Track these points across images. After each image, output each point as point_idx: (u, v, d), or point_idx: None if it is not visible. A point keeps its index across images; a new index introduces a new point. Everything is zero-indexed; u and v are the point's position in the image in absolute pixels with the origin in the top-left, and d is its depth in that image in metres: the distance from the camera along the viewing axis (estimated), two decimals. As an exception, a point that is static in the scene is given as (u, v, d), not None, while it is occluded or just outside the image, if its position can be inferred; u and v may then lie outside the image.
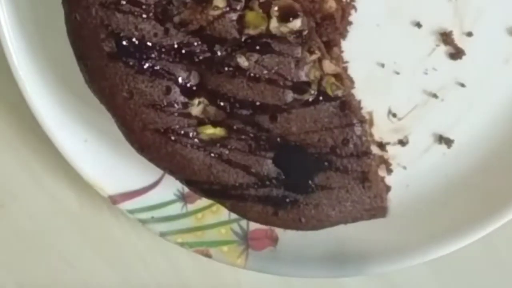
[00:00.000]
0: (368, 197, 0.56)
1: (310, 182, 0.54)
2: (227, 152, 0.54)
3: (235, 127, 0.53)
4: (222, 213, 0.60)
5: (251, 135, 0.53)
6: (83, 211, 0.63)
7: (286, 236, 0.60)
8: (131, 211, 0.59)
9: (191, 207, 0.60)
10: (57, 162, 0.61)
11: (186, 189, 0.60)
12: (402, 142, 0.61)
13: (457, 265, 0.63)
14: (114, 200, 0.59)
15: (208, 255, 0.59)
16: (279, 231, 0.60)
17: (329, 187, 0.55)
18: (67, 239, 0.63)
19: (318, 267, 0.60)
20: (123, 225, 0.63)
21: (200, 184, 0.54)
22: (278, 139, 0.54)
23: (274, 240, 0.61)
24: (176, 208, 0.60)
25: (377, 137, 0.61)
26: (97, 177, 0.59)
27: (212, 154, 0.54)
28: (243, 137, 0.53)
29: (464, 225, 0.60)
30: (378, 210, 0.57)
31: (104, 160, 0.59)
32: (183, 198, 0.60)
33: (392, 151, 0.61)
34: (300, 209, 0.55)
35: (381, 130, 0.61)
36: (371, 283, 0.63)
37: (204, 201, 0.60)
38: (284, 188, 0.54)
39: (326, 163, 0.54)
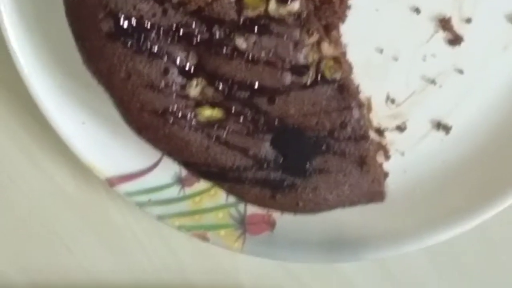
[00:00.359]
0: (366, 181, 0.56)
1: (307, 165, 0.54)
2: (224, 134, 0.54)
3: (233, 109, 0.53)
4: (219, 197, 0.60)
5: (249, 117, 0.53)
6: (80, 193, 0.62)
7: (283, 221, 0.60)
8: (129, 194, 0.59)
9: (188, 190, 0.60)
10: (54, 144, 0.61)
11: (183, 173, 0.60)
12: (400, 128, 0.61)
13: (454, 253, 0.63)
14: (112, 182, 0.59)
15: (206, 239, 0.59)
16: (276, 216, 0.60)
17: (327, 171, 0.55)
18: (64, 222, 0.62)
19: (315, 252, 0.60)
20: (120, 208, 0.62)
21: (197, 166, 0.54)
22: (276, 122, 0.54)
23: (272, 224, 0.60)
24: (174, 192, 0.60)
25: (375, 123, 0.60)
26: (95, 160, 0.58)
27: (210, 136, 0.54)
28: (241, 119, 0.53)
29: (461, 212, 0.60)
30: (375, 194, 0.57)
31: (101, 142, 0.59)
32: (180, 181, 0.60)
33: (390, 137, 0.61)
34: (298, 193, 0.55)
35: (379, 116, 0.60)
36: (368, 270, 0.63)
37: (201, 185, 0.60)
38: (281, 171, 0.54)
39: (324, 147, 0.54)
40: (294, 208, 0.55)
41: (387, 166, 0.59)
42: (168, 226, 0.60)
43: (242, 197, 0.55)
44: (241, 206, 0.60)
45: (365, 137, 0.55)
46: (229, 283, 0.63)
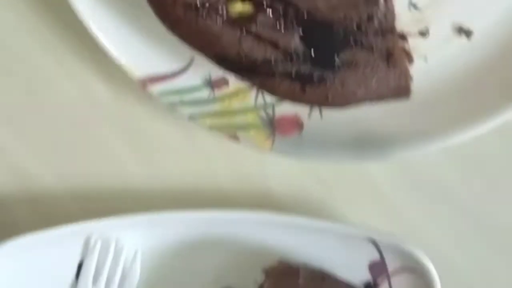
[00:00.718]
0: (392, 76, 0.57)
1: (336, 59, 0.56)
2: (255, 28, 0.55)
3: (263, 3, 0.55)
4: (248, 100, 0.61)
5: (279, 11, 0.55)
6: (113, 100, 0.63)
7: (311, 123, 0.62)
8: (161, 94, 0.60)
9: (218, 93, 0.61)
10: (87, 49, 0.62)
11: (213, 76, 0.61)
12: (423, 34, 0.62)
13: (477, 156, 0.65)
14: (144, 83, 0.60)
15: (236, 139, 0.61)
16: (304, 118, 0.62)
17: (355, 65, 0.56)
18: (96, 128, 0.64)
19: (343, 151, 0.61)
20: (152, 114, 0.64)
21: (229, 61, 0.56)
22: (305, 16, 0.55)
23: (300, 127, 0.62)
24: (204, 94, 0.61)
25: (398, 29, 0.62)
26: (127, 61, 0.60)
27: (241, 30, 0.55)
28: (271, 12, 0.55)
29: (484, 111, 0.61)
30: (402, 89, 0.58)
31: (134, 43, 0.60)
32: (210, 84, 0.61)
33: (413, 43, 0.62)
34: (327, 86, 0.56)
35: (402, 21, 0.61)
36: (392, 173, 0.65)
37: (231, 89, 0.61)
38: (311, 65, 0.56)
39: (351, 40, 0.56)
40: (323, 101, 0.57)
41: (410, 70, 0.61)
42: (200, 131, 0.62)
43: (273, 91, 0.57)
44: (270, 109, 0.62)
45: (391, 31, 0.56)
46: (258, 187, 0.64)
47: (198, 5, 0.54)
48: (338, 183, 0.64)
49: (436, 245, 0.64)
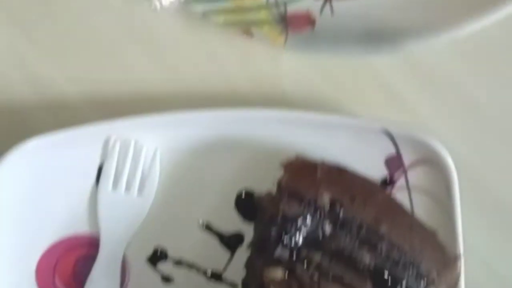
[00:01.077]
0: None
1: None
2: None
3: None
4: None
5: None
6: (125, 3, 0.64)
7: (323, 19, 0.62)
8: (174, -9, 0.61)
9: (230, -8, 0.62)
10: None
11: (224, -26, 0.62)
12: None
13: (481, 48, 0.65)
14: (157, -19, 0.61)
15: (250, 35, 0.61)
16: (316, 15, 0.62)
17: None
18: (109, 32, 0.64)
19: (355, 45, 0.62)
20: (165, 17, 0.64)
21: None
22: None
23: (312, 23, 0.62)
24: (216, -8, 0.62)
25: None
26: (140, -42, 0.61)
27: None
28: None
29: (489, 3, 0.62)
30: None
31: None
32: (222, -18, 0.62)
33: None
34: (338, -27, 0.57)
35: None
36: (400, 68, 0.65)
37: (242, -13, 0.62)
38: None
39: None
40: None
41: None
42: (213, 33, 0.63)
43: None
44: (282, 6, 0.62)
45: None
46: (272, 88, 0.64)
47: None
48: (351, 82, 0.65)
49: (447, 138, 0.64)
